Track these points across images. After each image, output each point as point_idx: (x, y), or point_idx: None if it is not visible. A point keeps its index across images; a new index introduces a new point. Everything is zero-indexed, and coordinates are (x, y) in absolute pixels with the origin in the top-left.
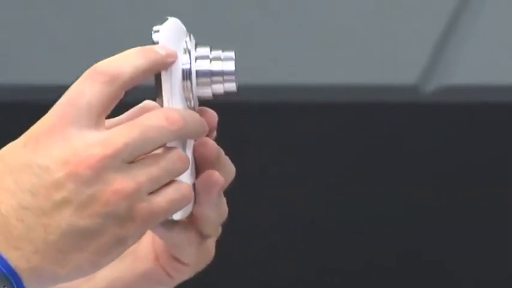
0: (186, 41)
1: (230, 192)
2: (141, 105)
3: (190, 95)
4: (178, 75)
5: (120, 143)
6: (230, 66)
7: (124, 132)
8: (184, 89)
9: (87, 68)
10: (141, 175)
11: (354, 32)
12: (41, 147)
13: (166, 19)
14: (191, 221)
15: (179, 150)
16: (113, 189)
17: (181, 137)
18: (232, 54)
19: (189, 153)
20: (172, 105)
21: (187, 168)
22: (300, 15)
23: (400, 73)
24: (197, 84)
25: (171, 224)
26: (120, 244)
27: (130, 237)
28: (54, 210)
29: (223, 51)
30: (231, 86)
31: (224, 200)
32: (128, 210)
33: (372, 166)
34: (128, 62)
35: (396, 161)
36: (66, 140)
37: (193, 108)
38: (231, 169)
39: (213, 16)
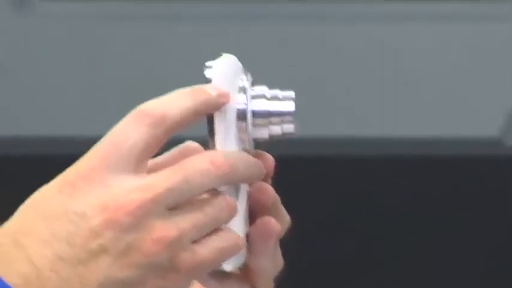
0: (241, 79)
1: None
2: (183, 146)
3: (246, 137)
4: (232, 115)
5: (162, 188)
6: (289, 106)
7: (166, 176)
8: (239, 130)
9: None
10: (185, 222)
11: (436, 84)
12: (77, 192)
13: (221, 55)
14: (244, 273)
15: (227, 197)
16: (154, 238)
17: (230, 181)
18: (291, 94)
19: (243, 198)
20: (226, 148)
21: (234, 215)
22: (380, 66)
23: (482, 125)
24: (253, 125)
25: (222, 275)
26: None
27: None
28: (91, 260)
29: (281, 90)
30: (290, 128)
31: (279, 250)
32: (170, 260)
33: (454, 218)
34: (175, 104)
35: (480, 214)
36: (105, 185)
37: (248, 151)
38: (286, 217)
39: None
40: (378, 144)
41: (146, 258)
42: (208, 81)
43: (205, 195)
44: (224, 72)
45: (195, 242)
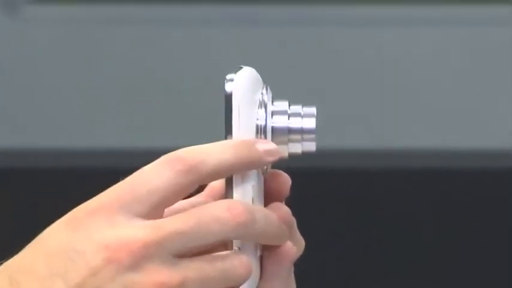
0: (262, 93)
1: None
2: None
3: None
4: (252, 131)
5: (171, 230)
6: (311, 123)
7: (178, 219)
8: None
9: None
10: (191, 272)
11: (448, 97)
12: (82, 228)
13: (241, 68)
14: None
15: (243, 256)
16: (155, 282)
17: (246, 234)
18: (313, 110)
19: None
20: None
21: (248, 277)
22: (382, 74)
23: (495, 137)
24: (272, 141)
25: None
26: None
27: None
28: None
29: (303, 106)
30: (310, 145)
31: (293, 275)
32: None
33: (466, 230)
34: (214, 155)
35: (495, 228)
36: (111, 224)
37: (266, 170)
38: (301, 241)
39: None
40: (381, 156)
41: None
42: (228, 95)
43: (220, 252)
44: (245, 87)
45: None
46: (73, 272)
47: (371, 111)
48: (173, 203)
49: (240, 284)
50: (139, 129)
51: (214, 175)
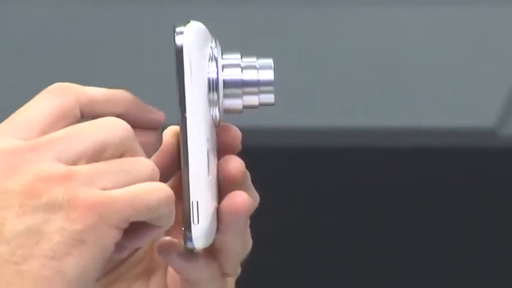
0: (211, 47)
1: None
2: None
3: (216, 109)
4: (204, 86)
5: (46, 138)
6: (268, 75)
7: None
8: (210, 102)
9: None
10: (81, 167)
11: (431, 74)
12: None
13: (189, 21)
14: (212, 253)
15: (143, 158)
16: (40, 176)
17: (129, 139)
18: (270, 61)
19: (213, 172)
20: (198, 123)
21: (152, 175)
22: (375, 57)
23: (477, 116)
24: (225, 95)
25: (190, 255)
26: (78, 243)
27: (86, 232)
28: None
29: (258, 58)
30: (268, 98)
31: (249, 231)
32: (67, 199)
33: (448, 213)
34: (95, 88)
35: (473, 207)
36: None
37: (218, 123)
38: (256, 194)
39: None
40: (369, 135)
41: (37, 199)
42: (178, 48)
43: None
44: (196, 39)
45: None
46: None
47: (363, 92)
48: (60, 128)
49: (144, 181)
50: None
51: (93, 102)
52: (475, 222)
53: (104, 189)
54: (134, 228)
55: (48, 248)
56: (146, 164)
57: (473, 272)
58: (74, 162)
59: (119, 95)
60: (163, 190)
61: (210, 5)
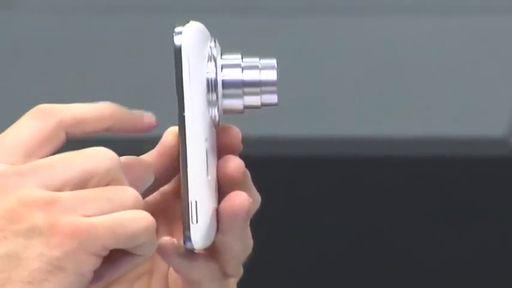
0: (210, 47)
1: None
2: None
3: (215, 109)
4: (202, 86)
5: (30, 165)
6: (270, 75)
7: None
8: (209, 102)
9: None
10: (64, 194)
11: (439, 82)
12: None
13: (188, 21)
14: (212, 254)
15: (129, 188)
16: (22, 201)
17: (116, 169)
18: (273, 62)
19: (212, 172)
20: (196, 123)
21: (135, 202)
22: (380, 61)
23: (487, 125)
24: (224, 96)
25: (190, 255)
26: (56, 269)
27: (64, 259)
28: None
29: (260, 59)
30: (271, 98)
31: (249, 231)
32: (48, 225)
33: (448, 213)
34: (80, 106)
35: (473, 207)
36: None
37: (218, 124)
38: (257, 196)
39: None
40: (377, 144)
41: (19, 224)
42: (177, 48)
43: None
44: (194, 39)
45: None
46: None
47: (370, 101)
48: (45, 152)
49: (128, 209)
50: None
51: (79, 122)
52: (475, 223)
53: (86, 216)
54: (114, 257)
55: (26, 273)
56: (130, 193)
57: (473, 272)
58: (59, 190)
59: (105, 109)
60: (145, 219)
61: (210, 14)
